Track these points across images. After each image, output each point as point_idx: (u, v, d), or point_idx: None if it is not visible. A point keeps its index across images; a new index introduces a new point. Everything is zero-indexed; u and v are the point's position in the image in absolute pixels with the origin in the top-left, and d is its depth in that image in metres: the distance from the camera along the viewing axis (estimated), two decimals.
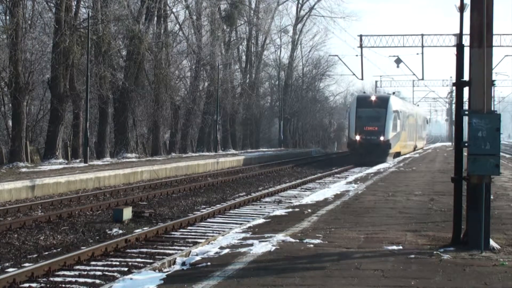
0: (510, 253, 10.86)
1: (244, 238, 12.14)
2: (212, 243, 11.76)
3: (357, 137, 46.84)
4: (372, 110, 47.32)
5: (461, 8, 12.01)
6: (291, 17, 75.78)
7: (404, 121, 52.69)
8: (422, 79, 63.56)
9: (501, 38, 53.85)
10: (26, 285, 11.12)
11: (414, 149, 63.23)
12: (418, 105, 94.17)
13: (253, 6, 66.08)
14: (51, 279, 11.60)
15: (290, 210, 16.54)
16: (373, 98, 48.70)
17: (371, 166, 39.22)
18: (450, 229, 11.89)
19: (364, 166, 43.03)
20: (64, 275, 11.88)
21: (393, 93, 57.30)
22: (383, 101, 47.94)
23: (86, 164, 32.78)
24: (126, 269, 12.28)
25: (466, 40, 11.92)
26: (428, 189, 22.14)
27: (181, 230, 16.98)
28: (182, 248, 14.10)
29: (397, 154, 50.72)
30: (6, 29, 34.68)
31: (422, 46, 56.52)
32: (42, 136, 44.19)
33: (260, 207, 21.96)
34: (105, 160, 38.39)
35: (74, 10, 38.38)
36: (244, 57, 67.82)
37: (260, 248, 11.05)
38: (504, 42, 54.13)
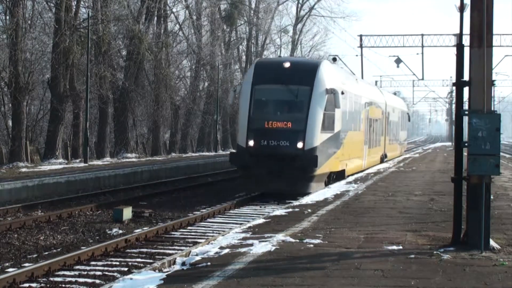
0: (510, 253, 10.87)
1: (244, 238, 12.14)
2: (212, 243, 11.76)
3: (251, 143, 22.97)
4: (284, 88, 23.57)
5: (461, 8, 12.02)
6: (291, 17, 75.92)
7: (356, 112, 29.24)
8: (422, 79, 63.57)
9: (501, 38, 53.92)
10: (26, 285, 11.12)
11: (382, 161, 38.76)
12: (396, 94, 63.85)
13: (253, 6, 66.09)
14: (51, 279, 11.60)
15: (290, 210, 16.54)
16: (286, 65, 24.12)
17: (282, 202, 21.87)
18: (450, 229, 11.89)
19: (265, 204, 22.62)
20: (64, 275, 11.87)
21: (333, 59, 31.68)
22: (306, 72, 24.05)
23: (86, 164, 32.78)
24: (126, 269, 12.27)
25: (466, 40, 11.93)
26: (428, 189, 22.14)
27: (181, 230, 16.97)
28: (182, 248, 14.09)
29: (339, 175, 26.45)
30: (6, 29, 34.71)
31: (422, 46, 56.59)
32: (42, 136, 44.21)
33: (260, 207, 21.94)
34: (105, 160, 38.39)
35: (74, 10, 38.39)
36: (244, 57, 67.82)
37: (260, 248, 11.05)
38: (504, 42, 54.22)
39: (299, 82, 23.62)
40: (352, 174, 28.67)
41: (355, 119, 29.19)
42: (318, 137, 23.11)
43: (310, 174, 22.85)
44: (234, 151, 29.92)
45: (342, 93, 24.88)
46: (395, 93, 62.27)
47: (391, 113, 42.26)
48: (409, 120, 57.07)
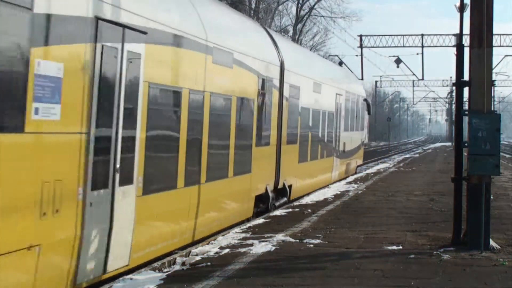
0: (510, 253, 10.87)
1: (244, 238, 12.14)
2: (212, 243, 11.75)
3: None
4: None
5: (461, 8, 12.04)
6: (291, 17, 75.56)
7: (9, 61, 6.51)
8: (422, 79, 63.52)
9: (501, 38, 53.92)
10: None
11: (268, 206, 16.73)
12: (346, 68, 39.69)
13: (253, 6, 66.15)
14: None
15: (290, 210, 16.54)
16: None
17: None
18: (450, 229, 11.89)
19: None
20: None
21: None
22: None
23: None
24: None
25: (466, 40, 11.95)
26: (428, 189, 22.14)
27: None
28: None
29: None
30: None
31: (422, 46, 56.55)
32: None
33: None
34: None
35: None
36: None
37: (260, 248, 11.05)
38: (504, 42, 54.20)
39: None
40: None
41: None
42: None
43: None
44: None
45: None
46: (341, 63, 36.58)
47: (309, 92, 20.25)
48: (369, 113, 33.48)
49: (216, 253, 10.78)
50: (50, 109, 7.31)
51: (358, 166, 31.61)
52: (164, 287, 8.66)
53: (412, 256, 10.53)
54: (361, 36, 56.23)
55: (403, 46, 56.44)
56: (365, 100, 32.14)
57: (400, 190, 21.68)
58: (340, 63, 30.22)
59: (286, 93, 17.49)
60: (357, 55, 56.73)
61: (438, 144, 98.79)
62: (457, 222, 11.59)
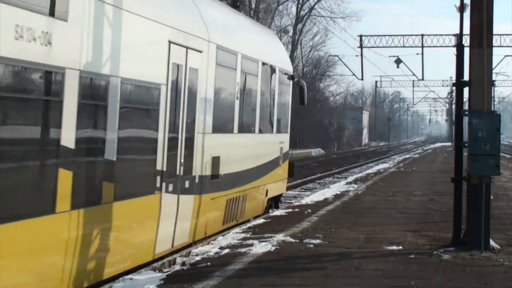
0: (510, 253, 10.87)
1: (244, 238, 12.14)
2: (212, 243, 11.75)
3: None
4: None
5: (461, 8, 12.05)
6: (291, 17, 75.52)
7: None
8: (422, 79, 63.67)
9: (501, 38, 53.97)
10: None
11: None
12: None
13: (253, 6, 66.13)
14: None
15: (290, 210, 16.54)
16: None
17: None
18: (450, 229, 11.89)
19: None
20: None
21: None
22: None
23: None
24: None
25: (466, 40, 11.95)
26: (428, 189, 22.14)
27: None
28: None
29: None
30: None
31: (422, 46, 56.63)
32: None
33: None
34: None
35: None
36: None
37: (260, 248, 11.05)
38: (504, 42, 54.28)
39: None
40: None
41: None
42: None
43: None
44: None
45: None
46: (236, 5, 21.43)
47: None
48: (302, 103, 17.50)
49: (216, 253, 10.78)
50: None
51: (278, 197, 18.13)
52: (164, 287, 8.66)
53: (412, 256, 10.53)
54: (361, 36, 56.32)
55: (403, 46, 56.58)
56: (292, 78, 18.13)
57: (400, 190, 21.67)
58: (235, 5, 19.01)
59: None
60: (357, 55, 56.83)
61: (438, 144, 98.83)
62: (457, 222, 11.59)
